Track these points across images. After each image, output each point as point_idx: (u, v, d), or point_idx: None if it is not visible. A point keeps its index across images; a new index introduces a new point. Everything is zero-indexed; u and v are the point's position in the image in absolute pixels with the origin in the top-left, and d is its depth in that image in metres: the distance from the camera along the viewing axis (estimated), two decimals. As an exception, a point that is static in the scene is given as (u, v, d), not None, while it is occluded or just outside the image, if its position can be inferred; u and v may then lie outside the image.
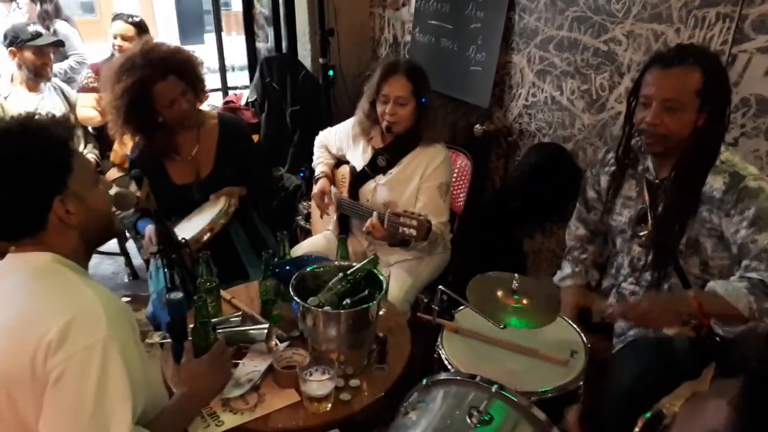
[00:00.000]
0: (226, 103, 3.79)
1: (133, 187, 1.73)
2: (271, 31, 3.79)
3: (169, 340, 1.53)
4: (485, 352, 1.61)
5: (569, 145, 2.52)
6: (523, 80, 2.67)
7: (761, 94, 1.84)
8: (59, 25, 3.74)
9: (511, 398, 1.18)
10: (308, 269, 1.63)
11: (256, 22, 4.06)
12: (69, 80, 3.53)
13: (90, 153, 3.13)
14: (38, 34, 2.93)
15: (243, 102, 3.72)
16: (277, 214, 3.25)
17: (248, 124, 3.41)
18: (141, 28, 3.15)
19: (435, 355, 1.64)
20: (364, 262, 1.61)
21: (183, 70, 2.08)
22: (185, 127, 2.17)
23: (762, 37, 1.80)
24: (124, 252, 3.47)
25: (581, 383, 1.52)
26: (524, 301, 1.52)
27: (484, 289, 1.57)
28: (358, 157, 2.29)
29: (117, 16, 3.15)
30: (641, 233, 1.69)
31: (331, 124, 2.53)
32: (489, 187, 2.96)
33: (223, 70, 4.18)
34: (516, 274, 1.56)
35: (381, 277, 1.58)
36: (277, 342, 1.57)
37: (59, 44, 3.12)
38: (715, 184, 1.52)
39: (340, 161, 2.44)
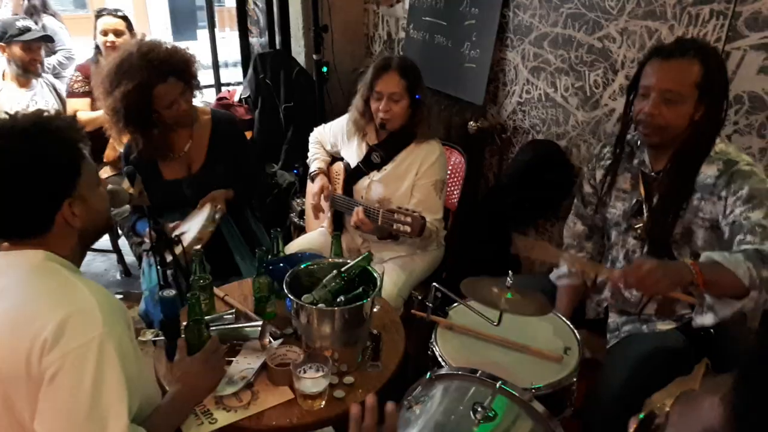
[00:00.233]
0: (219, 99, 3.77)
1: (125, 184, 1.72)
2: (262, 20, 3.75)
3: (162, 338, 1.53)
4: (479, 348, 1.61)
5: (563, 142, 2.52)
6: (518, 77, 2.67)
7: (754, 92, 1.84)
8: (47, 20, 3.71)
9: (513, 393, 1.19)
10: (302, 266, 1.62)
11: (249, 18, 4.04)
12: (57, 75, 3.50)
13: None
14: (27, 29, 2.89)
15: (236, 98, 3.70)
16: (270, 211, 3.24)
17: (241, 121, 3.40)
18: (128, 21, 3.10)
19: (429, 352, 1.64)
20: (358, 259, 1.60)
21: (182, 71, 2.07)
22: (181, 125, 2.15)
23: (755, 35, 1.81)
24: (116, 249, 3.45)
25: (575, 380, 1.52)
26: (518, 295, 1.52)
27: (478, 287, 1.57)
28: (353, 153, 2.28)
29: (102, 12, 3.08)
30: (636, 225, 1.69)
31: (325, 121, 2.52)
32: (483, 183, 2.96)
33: (216, 66, 4.16)
34: (510, 272, 1.56)
35: (375, 274, 1.58)
36: (271, 339, 1.56)
37: (48, 39, 3.07)
38: (708, 172, 1.53)
39: (334, 158, 2.44)
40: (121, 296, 3.09)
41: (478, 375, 1.25)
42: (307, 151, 2.50)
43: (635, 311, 1.73)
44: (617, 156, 1.74)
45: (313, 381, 1.36)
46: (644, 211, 1.67)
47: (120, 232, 3.28)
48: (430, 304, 1.68)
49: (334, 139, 2.39)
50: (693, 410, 0.69)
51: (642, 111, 1.56)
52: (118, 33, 3.04)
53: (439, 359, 1.57)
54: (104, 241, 3.36)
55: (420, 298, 2.22)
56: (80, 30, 3.25)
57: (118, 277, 3.46)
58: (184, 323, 1.49)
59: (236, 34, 4.07)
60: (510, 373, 1.48)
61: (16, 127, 1.10)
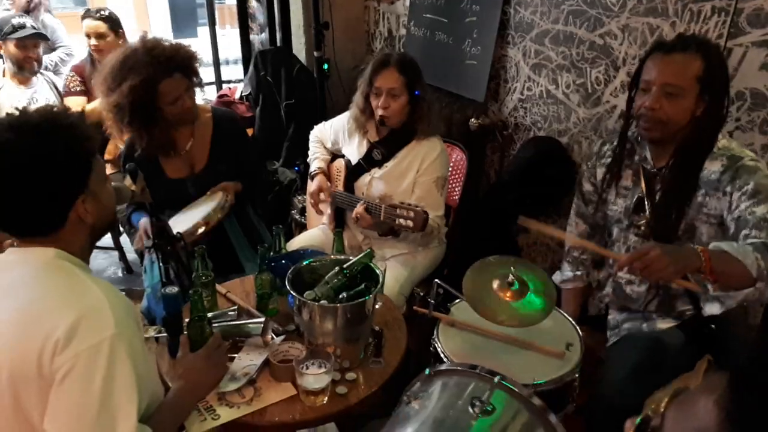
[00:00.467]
0: (220, 96, 3.77)
1: (127, 181, 1.72)
2: (260, 17, 3.73)
3: (165, 335, 1.53)
4: (481, 344, 1.62)
5: (564, 138, 2.52)
6: (519, 74, 2.67)
7: (756, 88, 1.84)
8: (46, 18, 3.70)
9: (511, 388, 1.19)
10: (304, 263, 1.63)
11: (250, 15, 4.04)
12: (57, 72, 3.49)
13: None
14: (21, 26, 2.86)
15: (237, 96, 3.70)
16: (272, 208, 3.25)
17: (242, 118, 3.40)
18: (112, 21, 3.02)
19: (431, 349, 1.64)
20: (360, 255, 1.60)
21: (187, 67, 2.07)
22: (184, 122, 2.16)
23: (757, 31, 1.80)
24: (118, 246, 3.45)
25: (576, 376, 1.53)
26: (521, 291, 1.52)
27: (480, 282, 1.58)
28: (354, 150, 2.28)
29: (86, 14, 3.02)
30: (638, 222, 1.70)
31: (326, 118, 2.52)
32: (484, 180, 2.96)
33: (217, 63, 4.16)
34: (511, 259, 1.56)
35: (377, 271, 1.58)
36: (273, 336, 1.57)
37: (41, 36, 2.99)
38: (712, 168, 1.53)
39: (335, 155, 2.44)
40: (123, 293, 3.08)
41: (476, 371, 1.25)
42: (308, 148, 2.50)
43: (637, 307, 1.73)
44: (620, 153, 1.74)
45: (315, 377, 1.36)
46: (646, 207, 1.67)
47: (122, 229, 3.29)
48: (432, 301, 1.69)
49: (335, 137, 2.39)
50: (688, 412, 0.69)
51: (643, 105, 1.56)
52: (100, 36, 2.97)
53: (441, 355, 1.57)
54: (106, 239, 3.37)
55: (422, 294, 2.24)
56: (80, 27, 3.24)
57: (120, 274, 3.47)
58: (187, 320, 1.49)
59: (237, 31, 4.06)
60: (511, 369, 1.48)
61: (29, 122, 1.10)
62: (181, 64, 2.05)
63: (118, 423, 1.04)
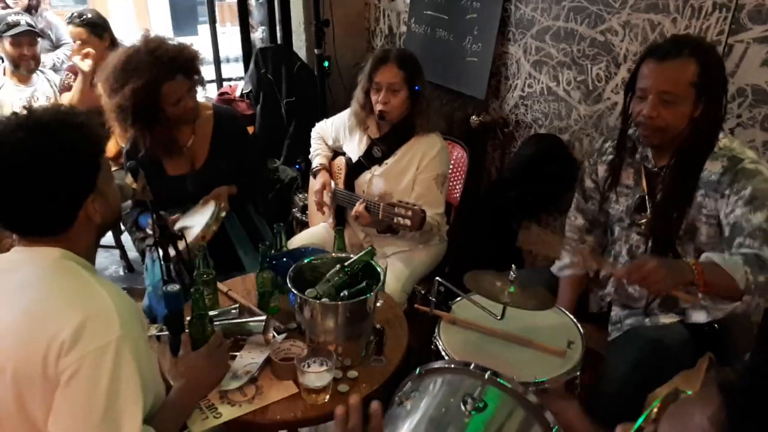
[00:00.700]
0: (220, 94, 3.77)
1: (129, 179, 1.72)
2: (256, 14, 3.71)
3: (166, 333, 1.53)
4: (482, 342, 1.62)
5: (565, 136, 2.52)
6: (520, 71, 2.66)
7: (757, 85, 1.84)
8: (49, 15, 3.69)
9: (505, 385, 1.18)
10: (305, 261, 1.63)
11: (250, 13, 4.03)
12: (59, 70, 3.49)
13: None
14: (16, 24, 2.85)
15: (238, 93, 3.70)
16: (273, 206, 3.25)
17: (243, 116, 3.40)
18: (93, 26, 2.93)
19: (432, 347, 1.64)
20: (361, 253, 1.60)
21: (189, 69, 2.07)
22: (186, 122, 2.15)
23: (759, 27, 1.80)
24: (119, 245, 3.46)
25: (578, 373, 1.53)
26: (520, 289, 1.52)
27: (481, 280, 1.58)
28: (354, 147, 2.28)
29: (69, 18, 2.96)
30: (640, 221, 1.69)
31: (327, 116, 2.52)
32: (485, 178, 2.96)
33: (217, 61, 4.15)
34: (513, 266, 1.56)
35: (378, 269, 1.58)
36: (275, 334, 1.57)
37: (35, 34, 2.95)
38: (713, 168, 1.53)
39: (336, 153, 2.43)
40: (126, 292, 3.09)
41: (468, 368, 1.24)
42: (309, 146, 2.50)
43: (639, 306, 1.73)
44: (620, 154, 1.74)
45: (317, 375, 1.36)
46: (647, 206, 1.67)
47: (123, 227, 3.29)
48: (433, 299, 1.68)
49: (336, 134, 2.39)
50: (682, 426, 0.69)
51: (641, 113, 1.56)
52: (81, 41, 2.91)
53: (443, 353, 1.57)
54: (107, 237, 3.36)
55: (423, 292, 2.24)
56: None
57: (121, 272, 3.47)
58: (188, 318, 1.49)
59: (237, 29, 4.05)
60: (513, 367, 1.48)
61: (39, 122, 1.10)
62: (184, 65, 2.04)
63: (123, 424, 1.04)
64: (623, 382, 1.53)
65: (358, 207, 2.02)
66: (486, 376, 1.19)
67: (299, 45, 3.69)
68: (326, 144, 2.45)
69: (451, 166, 2.38)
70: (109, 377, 1.03)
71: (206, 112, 2.25)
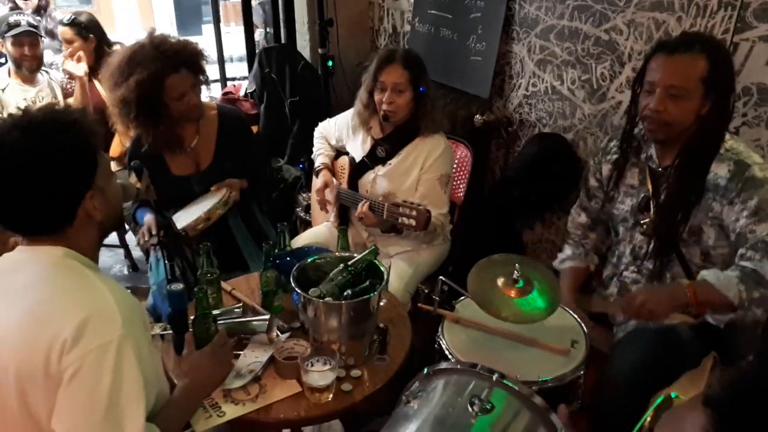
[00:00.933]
0: (224, 94, 3.77)
1: (132, 178, 1.72)
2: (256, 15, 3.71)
3: (170, 332, 1.53)
4: (486, 342, 1.62)
5: (570, 135, 2.51)
6: (524, 70, 2.66)
7: (763, 83, 1.83)
8: (58, 15, 3.70)
9: (512, 387, 1.19)
10: (309, 260, 1.63)
11: (254, 13, 4.03)
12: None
13: None
14: (17, 24, 2.85)
15: (242, 93, 3.70)
16: (276, 205, 3.25)
17: (247, 115, 3.40)
18: (79, 27, 3.00)
19: (436, 346, 1.64)
20: (365, 252, 1.60)
21: (193, 64, 2.08)
22: (189, 119, 2.16)
23: (764, 26, 1.79)
24: (123, 244, 3.47)
25: (582, 373, 1.52)
26: (526, 289, 1.52)
27: (485, 280, 1.57)
28: (358, 147, 2.28)
29: (60, 20, 3.05)
30: (643, 221, 1.69)
31: (330, 115, 2.52)
32: (489, 177, 2.96)
33: (221, 61, 4.16)
34: (517, 258, 1.56)
35: (382, 268, 1.58)
36: (278, 333, 1.57)
37: (35, 34, 2.93)
38: (719, 171, 1.52)
39: (339, 152, 2.43)
40: (129, 291, 3.10)
41: (476, 369, 1.24)
42: (313, 145, 2.50)
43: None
44: (625, 152, 1.73)
45: (320, 374, 1.36)
46: (651, 207, 1.67)
47: (127, 227, 3.29)
48: (437, 298, 1.68)
49: (339, 134, 2.39)
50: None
51: (647, 107, 1.55)
52: (68, 41, 3.00)
53: (446, 353, 1.57)
54: (111, 237, 3.38)
55: (427, 291, 2.24)
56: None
57: (126, 272, 3.48)
58: (192, 317, 1.50)
59: (241, 28, 4.06)
60: (516, 366, 1.48)
61: (33, 121, 1.10)
62: (188, 59, 2.05)
63: (126, 423, 1.05)
64: (628, 382, 1.52)
65: (363, 208, 2.02)
66: (494, 378, 1.19)
67: (303, 44, 3.69)
68: (329, 143, 2.45)
69: (454, 166, 2.37)
70: (112, 375, 1.03)
71: (210, 112, 2.26)
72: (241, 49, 4.15)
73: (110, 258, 3.59)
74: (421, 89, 2.11)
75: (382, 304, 1.60)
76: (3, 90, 2.92)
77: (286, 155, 3.50)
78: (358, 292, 1.52)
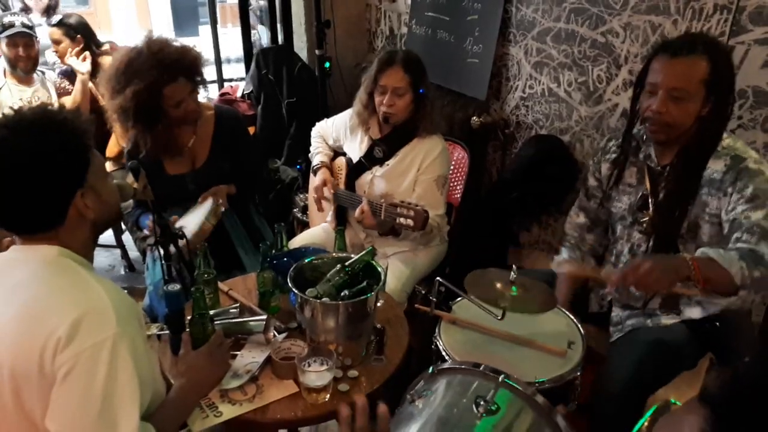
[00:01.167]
0: (222, 95, 3.77)
1: (129, 178, 1.72)
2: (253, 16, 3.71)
3: (167, 332, 1.53)
4: (482, 342, 1.62)
5: (566, 137, 2.52)
6: (521, 72, 2.67)
7: (759, 86, 1.84)
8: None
9: (516, 387, 1.19)
10: (306, 261, 1.63)
11: (252, 13, 4.04)
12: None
13: None
14: (11, 25, 2.85)
15: (239, 94, 3.70)
16: (274, 206, 3.25)
17: (244, 116, 3.40)
18: (67, 27, 3.03)
19: (433, 347, 1.64)
20: (362, 253, 1.60)
21: (191, 71, 2.07)
22: (187, 123, 2.16)
23: (759, 29, 1.80)
24: (120, 244, 3.46)
25: (578, 374, 1.53)
26: (521, 291, 1.52)
27: (481, 281, 1.58)
28: (355, 148, 2.28)
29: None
30: (642, 219, 1.70)
31: (328, 116, 2.52)
32: (486, 179, 2.96)
33: (218, 62, 4.16)
34: (514, 266, 1.56)
35: (379, 269, 1.58)
36: (275, 333, 1.57)
37: (29, 35, 2.91)
38: (715, 167, 1.53)
39: (336, 153, 2.44)
40: (126, 292, 3.09)
41: (480, 369, 1.25)
42: (310, 146, 2.50)
43: (639, 306, 1.73)
44: (625, 151, 1.74)
45: (317, 374, 1.36)
46: (650, 205, 1.68)
47: (124, 227, 3.29)
48: (434, 299, 1.69)
49: (337, 134, 2.39)
50: None
51: (649, 108, 1.56)
52: (56, 41, 3.03)
53: (443, 353, 1.57)
54: (108, 237, 3.37)
55: (424, 292, 2.24)
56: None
57: (122, 272, 3.47)
58: (189, 317, 1.49)
59: (238, 29, 4.06)
60: (513, 367, 1.48)
61: (23, 121, 1.10)
62: (186, 68, 2.04)
63: (120, 421, 1.04)
64: (625, 383, 1.53)
65: (364, 206, 2.01)
66: (499, 379, 1.20)
67: (300, 46, 3.70)
68: (326, 143, 2.45)
69: (451, 167, 2.38)
70: (106, 374, 1.03)
71: (207, 112, 2.25)
72: (239, 50, 4.15)
73: (106, 258, 3.58)
74: (420, 91, 2.11)
75: (379, 304, 1.60)
76: (-1, 90, 2.91)
77: (283, 156, 3.50)
78: (355, 292, 1.52)
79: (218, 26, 4.12)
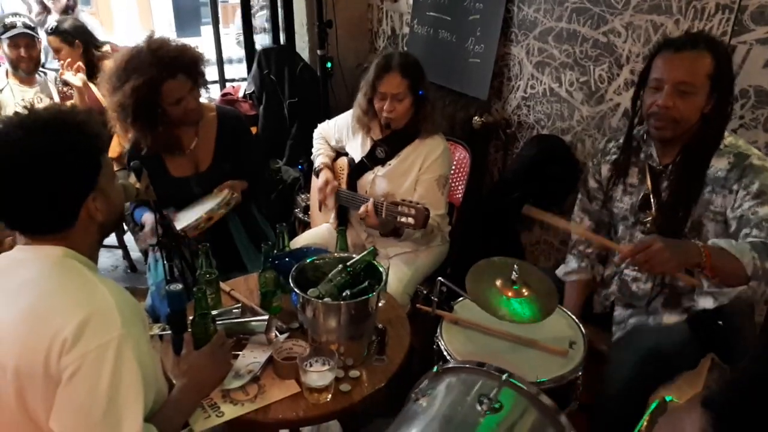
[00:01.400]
0: (223, 95, 3.78)
1: (132, 178, 1.72)
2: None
3: (169, 332, 1.54)
4: (484, 342, 1.62)
5: (568, 137, 2.52)
6: (522, 72, 2.66)
7: (760, 86, 1.84)
8: (84, 16, 3.70)
9: (519, 386, 1.19)
10: (308, 261, 1.63)
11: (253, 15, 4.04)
12: None
13: None
14: (12, 26, 2.86)
15: (241, 94, 3.70)
16: (275, 206, 3.25)
17: (246, 117, 3.40)
18: (63, 33, 2.98)
19: (434, 347, 1.64)
20: (364, 253, 1.61)
21: (191, 69, 2.07)
22: (188, 122, 2.16)
23: (761, 29, 1.80)
24: (122, 245, 3.47)
25: (580, 374, 1.53)
26: (523, 292, 1.52)
27: (483, 279, 1.58)
28: (357, 148, 2.29)
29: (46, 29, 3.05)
30: (644, 219, 1.70)
31: (329, 116, 2.52)
32: (488, 179, 2.96)
33: (220, 62, 4.16)
34: (516, 261, 1.56)
35: (381, 269, 1.58)
36: (277, 333, 1.57)
37: (30, 36, 2.93)
38: (719, 165, 1.54)
39: (338, 153, 2.44)
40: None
41: (484, 368, 1.25)
42: (312, 146, 2.50)
43: (642, 304, 1.73)
44: (627, 151, 1.74)
45: (319, 374, 1.36)
46: (652, 204, 1.67)
47: (126, 227, 3.29)
48: (436, 299, 1.69)
49: (339, 135, 2.39)
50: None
51: (655, 104, 1.55)
52: (56, 50, 3.00)
53: (445, 353, 1.57)
54: (110, 238, 3.38)
55: (425, 292, 2.24)
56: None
57: (124, 272, 3.48)
58: (191, 318, 1.50)
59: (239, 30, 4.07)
60: (515, 366, 1.48)
61: (38, 120, 1.10)
62: (186, 65, 2.04)
63: (124, 423, 1.05)
64: (626, 383, 1.53)
65: (368, 206, 2.01)
66: (503, 378, 1.20)
67: (302, 46, 3.70)
68: (329, 144, 2.45)
69: (453, 167, 2.38)
70: (111, 375, 1.03)
71: (209, 113, 2.25)
72: (240, 51, 4.16)
73: (108, 258, 3.59)
74: (420, 93, 2.11)
75: (380, 304, 1.60)
76: (1, 91, 2.92)
77: (284, 156, 3.51)
78: (356, 292, 1.52)
79: (220, 26, 4.13)
